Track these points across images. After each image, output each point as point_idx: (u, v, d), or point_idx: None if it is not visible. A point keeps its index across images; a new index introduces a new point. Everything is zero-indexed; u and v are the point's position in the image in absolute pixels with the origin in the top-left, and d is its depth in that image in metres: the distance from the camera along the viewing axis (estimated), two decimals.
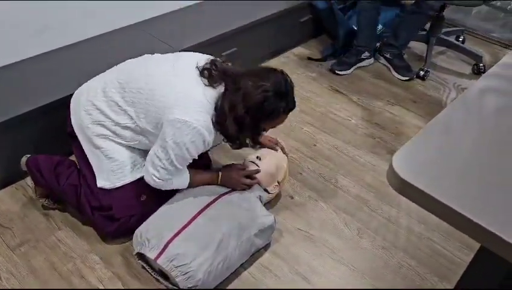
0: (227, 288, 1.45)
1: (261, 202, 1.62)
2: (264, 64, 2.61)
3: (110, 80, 1.51)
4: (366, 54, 2.62)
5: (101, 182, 1.52)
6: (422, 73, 2.56)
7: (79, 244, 1.57)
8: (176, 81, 1.42)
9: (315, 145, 2.08)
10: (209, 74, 1.42)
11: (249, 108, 1.38)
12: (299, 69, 2.63)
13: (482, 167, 0.80)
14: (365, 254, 1.59)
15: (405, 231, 1.69)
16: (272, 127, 1.51)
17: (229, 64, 1.50)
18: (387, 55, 2.63)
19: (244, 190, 1.61)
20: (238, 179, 1.60)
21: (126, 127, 1.49)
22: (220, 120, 1.40)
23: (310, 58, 2.72)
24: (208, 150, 1.59)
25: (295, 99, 1.49)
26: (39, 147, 1.72)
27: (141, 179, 1.52)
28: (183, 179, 1.53)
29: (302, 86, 2.48)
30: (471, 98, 1.00)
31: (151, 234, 1.42)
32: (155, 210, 1.51)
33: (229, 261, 1.42)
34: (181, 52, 1.60)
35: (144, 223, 1.48)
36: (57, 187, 1.59)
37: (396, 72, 2.59)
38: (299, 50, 2.80)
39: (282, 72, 1.45)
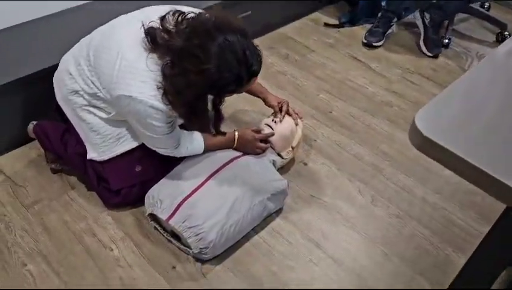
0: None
1: (275, 166, 1.60)
2: (279, 31, 2.54)
3: (78, 46, 1.46)
4: (395, 20, 2.52)
5: (91, 154, 1.50)
6: (445, 41, 2.46)
7: (91, 204, 1.58)
8: (120, 49, 1.30)
9: (331, 112, 2.04)
10: (153, 38, 1.26)
11: (199, 95, 1.25)
12: (315, 35, 2.55)
13: (508, 126, 0.76)
14: (378, 222, 1.57)
15: (420, 200, 1.66)
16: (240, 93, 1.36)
17: (188, 17, 1.27)
18: (427, 20, 2.41)
19: (258, 154, 1.58)
20: (254, 143, 1.56)
21: (97, 97, 1.41)
22: (169, 98, 1.26)
23: (326, 24, 2.63)
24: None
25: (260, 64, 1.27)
26: (48, 111, 1.70)
27: (133, 149, 1.49)
28: (195, 144, 1.50)
29: (318, 52, 2.41)
30: (498, 58, 0.96)
31: (163, 195, 1.41)
32: (155, 178, 1.49)
33: (241, 224, 1.41)
34: (145, 8, 1.42)
35: (156, 184, 1.47)
36: (64, 154, 1.58)
37: (424, 44, 2.43)
38: (316, 16, 2.72)
39: (231, 33, 1.19)
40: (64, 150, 1.58)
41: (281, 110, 1.68)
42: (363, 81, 2.23)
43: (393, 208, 1.62)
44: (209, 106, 1.33)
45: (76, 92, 1.44)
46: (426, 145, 0.74)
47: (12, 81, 1.62)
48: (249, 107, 2.01)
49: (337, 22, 2.65)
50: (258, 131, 1.60)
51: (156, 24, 1.28)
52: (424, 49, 2.43)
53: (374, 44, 2.46)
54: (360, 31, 2.59)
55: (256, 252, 1.46)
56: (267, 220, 1.54)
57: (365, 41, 2.47)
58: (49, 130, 1.60)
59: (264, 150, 1.58)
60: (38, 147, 1.76)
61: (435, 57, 2.40)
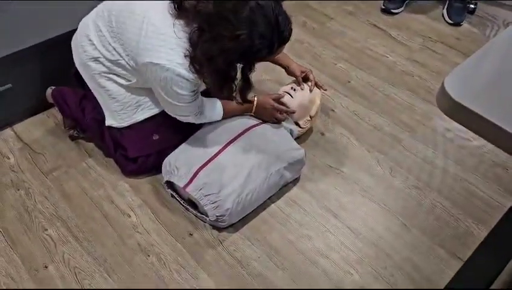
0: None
1: (292, 136, 1.57)
2: None
3: (97, 12, 1.43)
4: None
5: (109, 121, 1.50)
6: (470, 6, 2.36)
7: (109, 172, 1.59)
8: (145, 16, 1.27)
9: (349, 82, 1.99)
10: (179, 4, 1.24)
11: (231, 61, 1.22)
12: (333, 1, 2.47)
13: None
14: (397, 193, 1.55)
15: (440, 171, 1.62)
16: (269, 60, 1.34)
17: None
18: None
19: (276, 122, 1.56)
20: (272, 112, 1.54)
21: (119, 64, 1.39)
22: (196, 67, 1.24)
23: None
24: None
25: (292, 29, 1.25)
26: (68, 76, 1.70)
27: (151, 118, 1.48)
28: (216, 111, 1.48)
29: (337, 20, 2.34)
30: None
31: (180, 163, 1.41)
32: (172, 147, 1.48)
33: (258, 193, 1.40)
34: None
35: (173, 152, 1.46)
36: (83, 120, 1.58)
37: (447, 11, 2.33)
38: None
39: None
40: (82, 115, 1.58)
41: (303, 79, 1.64)
42: (383, 50, 2.16)
43: (412, 179, 1.59)
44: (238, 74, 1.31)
45: (96, 58, 1.42)
46: (455, 110, 0.71)
47: (29, 47, 1.60)
48: (266, 75, 1.97)
49: None
50: (278, 98, 1.56)
51: None
52: (446, 16, 2.34)
53: (392, 11, 2.37)
54: None
55: (272, 220, 1.46)
56: (283, 189, 1.53)
57: (383, 7, 2.39)
58: (67, 96, 1.60)
59: (282, 119, 1.56)
60: (56, 115, 1.77)
61: (457, 25, 2.31)
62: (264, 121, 1.55)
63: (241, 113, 1.55)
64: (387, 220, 1.47)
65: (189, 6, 1.22)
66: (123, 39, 1.33)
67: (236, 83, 1.32)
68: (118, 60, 1.38)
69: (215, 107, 1.48)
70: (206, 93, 1.47)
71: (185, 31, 1.24)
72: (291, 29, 1.24)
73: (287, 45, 1.30)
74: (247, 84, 1.34)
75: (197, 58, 1.22)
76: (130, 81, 1.43)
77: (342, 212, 1.49)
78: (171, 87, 1.28)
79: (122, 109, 1.47)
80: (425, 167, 1.64)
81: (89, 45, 1.42)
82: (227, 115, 1.52)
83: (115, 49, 1.37)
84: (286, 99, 1.57)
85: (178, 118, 1.43)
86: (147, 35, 1.26)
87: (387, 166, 1.64)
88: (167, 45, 1.24)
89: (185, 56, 1.24)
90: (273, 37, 1.20)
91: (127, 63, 1.37)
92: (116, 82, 1.45)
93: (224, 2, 1.17)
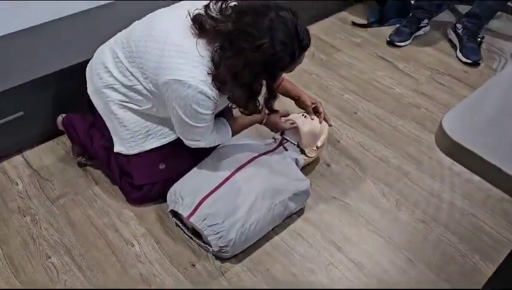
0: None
1: (297, 165, 1.58)
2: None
3: (115, 40, 1.47)
4: (425, 21, 2.44)
5: (118, 147, 1.51)
6: (478, 40, 2.38)
7: (115, 200, 1.60)
8: (167, 36, 1.30)
9: (356, 113, 2.00)
10: (200, 24, 1.26)
11: (257, 73, 1.24)
12: (342, 34, 2.51)
13: None
14: (403, 227, 1.53)
15: (447, 205, 1.60)
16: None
17: (230, 5, 1.28)
18: (460, 30, 2.32)
19: (284, 129, 1.58)
20: (282, 123, 1.57)
21: (135, 90, 1.42)
22: (221, 83, 1.26)
23: (354, 24, 2.59)
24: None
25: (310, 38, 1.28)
26: (78, 104, 1.73)
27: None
28: (223, 133, 1.48)
29: (345, 52, 2.37)
30: None
31: (185, 192, 1.42)
32: (178, 177, 1.49)
33: (262, 223, 1.39)
34: (181, 2, 1.43)
35: (179, 181, 1.48)
36: (90, 147, 1.61)
37: (461, 52, 2.30)
38: (343, 15, 2.68)
39: (280, 10, 1.22)
40: (90, 143, 1.61)
41: (314, 110, 1.66)
42: (390, 82, 2.18)
43: (418, 213, 1.57)
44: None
45: (111, 85, 1.45)
46: (454, 149, 0.71)
47: (42, 77, 1.65)
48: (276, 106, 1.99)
49: (365, 22, 2.60)
50: (285, 115, 1.60)
51: (201, 12, 1.28)
52: (462, 57, 2.30)
53: (397, 44, 2.40)
54: (389, 31, 2.54)
55: (275, 252, 1.44)
56: (287, 220, 1.53)
57: (388, 39, 2.42)
58: (76, 123, 1.64)
59: (290, 129, 1.58)
60: (65, 142, 1.80)
61: (476, 64, 2.27)
62: (271, 150, 1.56)
63: (251, 123, 1.56)
64: (392, 254, 1.45)
65: (210, 27, 1.25)
66: (143, 62, 1.35)
67: (259, 99, 1.36)
68: (134, 85, 1.41)
69: (222, 128, 1.48)
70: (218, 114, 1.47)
71: (207, 49, 1.26)
72: (310, 38, 1.28)
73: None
74: (272, 95, 1.37)
75: (221, 75, 1.24)
76: (142, 107, 1.46)
77: (346, 245, 1.47)
78: (191, 106, 1.28)
79: (132, 137, 1.50)
80: (432, 200, 1.62)
81: (104, 72, 1.46)
82: (237, 131, 1.53)
83: (132, 74, 1.40)
84: (297, 121, 1.59)
85: (189, 143, 1.43)
86: (170, 55, 1.28)
87: (393, 199, 1.62)
88: (190, 62, 1.26)
89: (208, 74, 1.26)
90: (294, 44, 1.22)
91: (144, 87, 1.39)
92: (129, 110, 1.48)
93: (243, 17, 1.21)
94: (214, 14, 1.27)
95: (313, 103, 1.66)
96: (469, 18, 2.32)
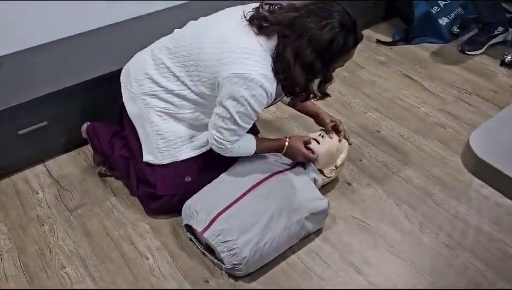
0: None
1: (316, 185, 1.54)
2: None
3: (158, 47, 1.48)
4: (500, 28, 2.38)
5: (147, 157, 1.51)
6: (507, 59, 2.31)
7: (131, 211, 1.59)
8: (224, 35, 1.34)
9: (378, 131, 1.95)
10: (258, 22, 1.32)
11: (318, 51, 1.27)
12: (366, 52, 2.48)
13: None
14: (426, 251, 1.46)
15: (474, 230, 1.53)
16: (342, 66, 1.41)
17: (277, 7, 1.37)
18: None
19: (303, 164, 1.54)
20: (302, 150, 1.52)
21: (180, 96, 1.44)
22: (283, 69, 1.30)
23: (379, 42, 2.56)
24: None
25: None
26: (100, 115, 1.76)
27: (189, 159, 1.50)
28: (249, 144, 1.46)
29: (368, 70, 2.34)
30: None
31: (200, 206, 1.40)
32: (198, 190, 1.48)
33: (277, 243, 1.36)
34: (224, 9, 1.48)
35: (194, 195, 1.46)
36: (111, 156, 1.62)
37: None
38: (368, 32, 2.65)
39: (337, 3, 1.32)
40: (111, 152, 1.62)
41: (333, 128, 1.63)
42: (415, 101, 2.13)
43: (443, 237, 1.51)
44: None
45: (153, 92, 1.46)
46: (481, 169, 0.67)
47: (66, 88, 1.68)
48: (294, 122, 1.97)
49: (390, 40, 2.57)
50: (308, 142, 1.55)
51: (254, 12, 1.34)
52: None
53: (468, 53, 2.40)
54: (415, 48, 2.49)
55: (292, 272, 1.40)
56: (305, 239, 1.48)
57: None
58: (99, 131, 1.65)
59: (310, 160, 1.54)
60: (87, 153, 1.82)
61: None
62: (289, 169, 1.53)
63: (273, 151, 1.54)
64: (414, 279, 1.38)
65: (270, 20, 1.31)
66: (199, 64, 1.36)
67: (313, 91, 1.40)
68: (180, 90, 1.42)
69: (248, 140, 1.46)
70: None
71: (267, 43, 1.31)
72: (362, 36, 1.36)
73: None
74: (327, 78, 1.39)
75: (284, 59, 1.28)
76: (183, 113, 1.46)
77: (366, 268, 1.41)
78: (246, 99, 1.29)
79: (166, 146, 1.49)
80: (458, 224, 1.55)
81: (145, 79, 1.46)
82: (259, 152, 1.51)
83: (178, 78, 1.41)
84: (313, 145, 1.55)
85: (216, 145, 1.39)
86: (231, 51, 1.30)
87: (416, 221, 1.56)
88: (251, 57, 1.29)
89: (269, 68, 1.30)
90: (352, 33, 1.29)
91: (192, 91, 1.41)
92: (167, 118, 1.47)
93: (304, 7, 1.30)
94: (267, 13, 1.34)
95: (332, 121, 1.63)
96: None
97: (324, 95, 1.45)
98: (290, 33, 1.29)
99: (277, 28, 1.30)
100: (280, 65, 1.30)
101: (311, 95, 1.42)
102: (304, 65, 1.29)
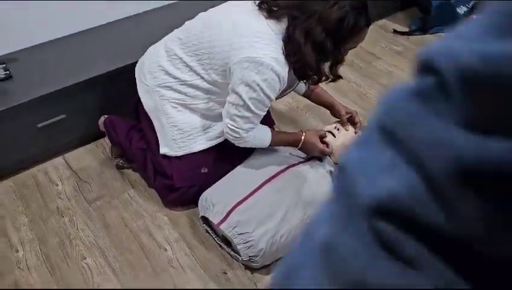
0: None
1: (332, 177, 1.54)
2: None
3: (170, 39, 1.49)
4: None
5: (164, 149, 1.52)
6: None
7: (150, 203, 1.62)
8: (234, 21, 1.33)
9: None
10: (268, 6, 1.32)
11: (329, 30, 1.26)
12: (382, 42, 2.45)
13: None
14: None
15: None
16: (354, 47, 1.37)
17: None
18: None
19: (319, 157, 1.53)
20: (317, 145, 1.51)
21: (193, 86, 1.44)
22: (294, 51, 1.28)
23: (395, 31, 2.52)
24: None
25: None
26: (118, 108, 1.78)
27: (205, 150, 1.51)
28: (264, 135, 1.45)
29: (385, 60, 2.31)
30: None
31: (216, 199, 1.41)
32: (215, 182, 1.49)
33: (294, 235, 1.36)
34: (227, 2, 1.48)
35: (211, 187, 1.47)
36: (129, 149, 1.64)
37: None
38: (384, 22, 2.61)
39: None
40: (128, 145, 1.64)
41: (348, 119, 1.62)
42: None
43: None
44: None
45: (167, 84, 1.46)
46: None
47: (84, 81, 1.70)
48: (310, 113, 1.96)
49: (407, 29, 2.53)
50: (323, 137, 1.54)
51: None
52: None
53: None
54: (432, 38, 2.45)
55: None
56: None
57: None
58: (116, 124, 1.68)
59: (325, 155, 1.54)
60: (105, 145, 1.84)
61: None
62: (305, 161, 1.53)
63: (289, 144, 1.54)
64: None
65: (278, 6, 1.30)
66: (211, 51, 1.36)
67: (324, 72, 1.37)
68: (193, 80, 1.43)
69: (263, 131, 1.46)
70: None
71: (277, 27, 1.30)
72: (371, 18, 1.33)
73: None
74: (339, 60, 1.37)
75: (295, 40, 1.27)
76: (197, 103, 1.47)
77: None
78: (258, 84, 1.28)
79: (181, 138, 1.50)
80: None
81: (159, 70, 1.47)
82: (274, 144, 1.51)
83: (191, 68, 1.42)
84: (329, 138, 1.55)
85: (230, 133, 1.39)
86: (241, 35, 1.30)
87: None
88: (262, 40, 1.28)
89: (279, 51, 1.29)
90: (363, 14, 1.27)
91: (205, 80, 1.41)
92: (181, 109, 1.48)
93: None
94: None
95: (348, 112, 1.62)
96: None
97: (336, 77, 1.43)
98: (300, 14, 1.27)
99: (286, 10, 1.29)
100: (291, 47, 1.28)
101: (323, 78, 1.39)
102: (315, 45, 1.27)
